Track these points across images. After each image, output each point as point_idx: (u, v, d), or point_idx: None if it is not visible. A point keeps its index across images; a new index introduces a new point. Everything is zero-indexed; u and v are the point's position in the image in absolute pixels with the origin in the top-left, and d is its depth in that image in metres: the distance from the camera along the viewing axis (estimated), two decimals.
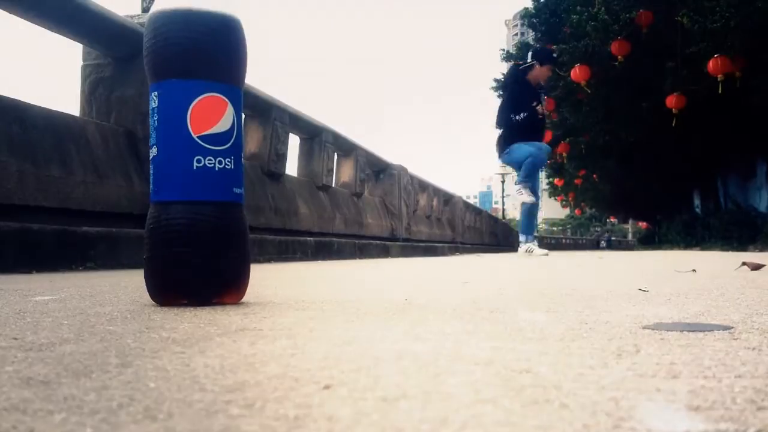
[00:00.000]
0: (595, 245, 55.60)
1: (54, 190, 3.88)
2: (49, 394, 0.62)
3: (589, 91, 13.38)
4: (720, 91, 10.40)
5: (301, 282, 2.73)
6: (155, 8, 1.47)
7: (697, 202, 22.81)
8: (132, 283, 2.34)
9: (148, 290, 1.52)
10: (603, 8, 11.82)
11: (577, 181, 26.80)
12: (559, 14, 14.70)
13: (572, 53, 12.91)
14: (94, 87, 4.92)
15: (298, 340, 0.97)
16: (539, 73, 7.69)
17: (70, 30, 4.49)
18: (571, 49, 12.91)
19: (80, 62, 4.99)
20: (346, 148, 9.76)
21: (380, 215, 10.90)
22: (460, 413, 0.55)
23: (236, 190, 1.52)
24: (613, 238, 69.65)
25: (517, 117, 7.54)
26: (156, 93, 1.49)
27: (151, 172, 1.50)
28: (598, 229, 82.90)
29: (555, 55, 7.64)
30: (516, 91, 7.75)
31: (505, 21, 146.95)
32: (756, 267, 3.19)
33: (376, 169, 11.43)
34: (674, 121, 11.99)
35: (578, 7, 12.62)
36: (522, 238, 7.80)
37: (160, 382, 0.67)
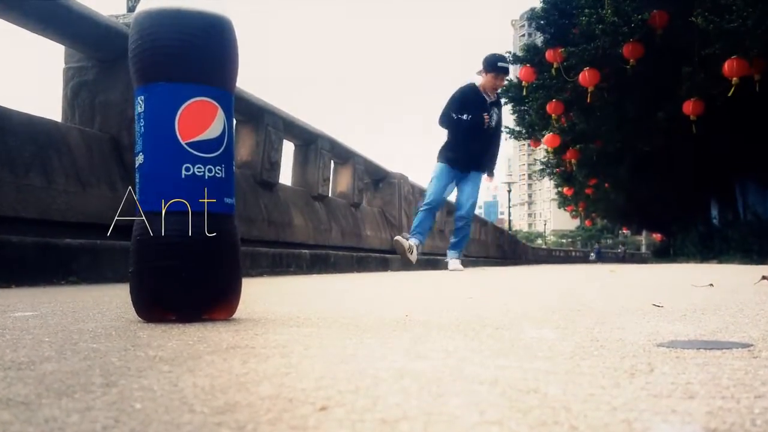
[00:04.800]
0: (618, 258, 55.24)
1: (34, 200, 3.88)
2: (30, 416, 0.62)
3: (589, 101, 13.43)
4: (730, 95, 10.42)
5: (295, 297, 2.73)
6: (141, 8, 1.47)
7: (714, 212, 22.80)
8: (117, 297, 2.34)
9: (134, 305, 1.52)
10: (611, 10, 11.85)
11: (587, 191, 26.82)
12: (569, 14, 14.73)
13: (581, 56, 12.93)
14: (77, 91, 4.93)
15: (293, 358, 0.97)
16: (484, 81, 7.70)
17: (52, 30, 4.50)
18: (580, 52, 12.94)
19: (62, 65, 5.00)
20: (344, 156, 9.76)
21: (379, 226, 10.90)
22: None
23: (227, 200, 1.52)
24: (604, 250, 69.42)
25: (462, 116, 7.59)
26: (142, 97, 1.49)
27: (137, 180, 1.50)
28: (608, 241, 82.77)
29: (501, 64, 7.65)
30: (457, 94, 7.77)
31: (512, 21, 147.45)
32: None
33: (375, 178, 11.44)
34: (694, 128, 12.01)
35: (586, 9, 12.65)
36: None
37: (146, 402, 0.67)
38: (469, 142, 7.65)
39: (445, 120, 7.68)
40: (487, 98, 7.68)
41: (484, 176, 7.94)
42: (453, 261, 7.91)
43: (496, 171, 8.10)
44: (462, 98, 7.69)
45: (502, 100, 8.50)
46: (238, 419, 0.61)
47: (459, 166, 7.72)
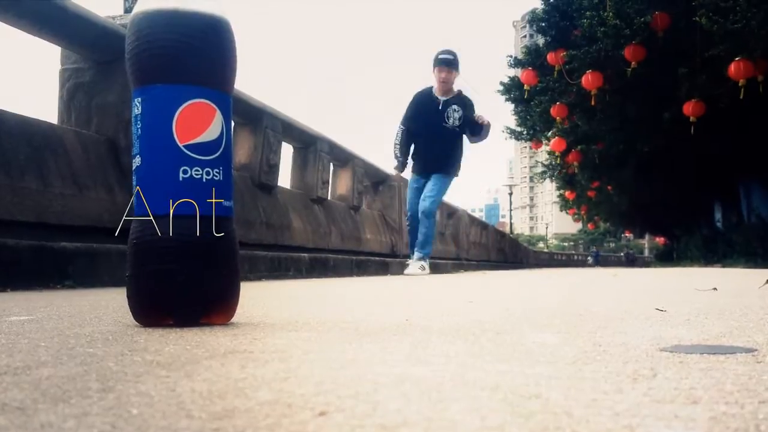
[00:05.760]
0: (627, 262, 54.74)
1: (30, 203, 3.88)
2: (25, 421, 0.62)
3: (593, 104, 13.45)
4: (741, 97, 10.44)
5: (294, 301, 2.73)
6: (138, 8, 1.47)
7: (718, 215, 22.83)
8: (114, 302, 2.34)
9: (131, 310, 1.52)
10: (612, 12, 11.88)
11: (590, 194, 26.82)
12: (570, 16, 14.75)
13: (583, 59, 12.95)
14: (74, 93, 4.93)
15: (292, 363, 0.97)
16: (434, 79, 7.65)
17: (47, 31, 4.50)
18: (582, 55, 12.96)
19: (58, 66, 5.00)
20: (343, 159, 9.76)
21: (379, 230, 10.90)
22: None
23: (225, 203, 1.52)
24: (606, 254, 69.14)
25: (397, 127, 7.68)
26: (139, 99, 1.49)
27: (134, 183, 1.50)
28: (611, 244, 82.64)
29: (441, 56, 7.57)
30: (411, 102, 7.79)
31: (513, 22, 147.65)
32: None
33: (375, 181, 11.43)
34: (692, 129, 12.03)
35: (588, 12, 12.67)
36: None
37: (143, 408, 0.67)
38: (424, 147, 7.68)
39: (397, 131, 7.76)
40: (440, 99, 7.58)
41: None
42: (413, 263, 7.79)
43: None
44: (414, 105, 7.72)
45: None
46: (237, 425, 0.61)
47: (421, 172, 7.76)
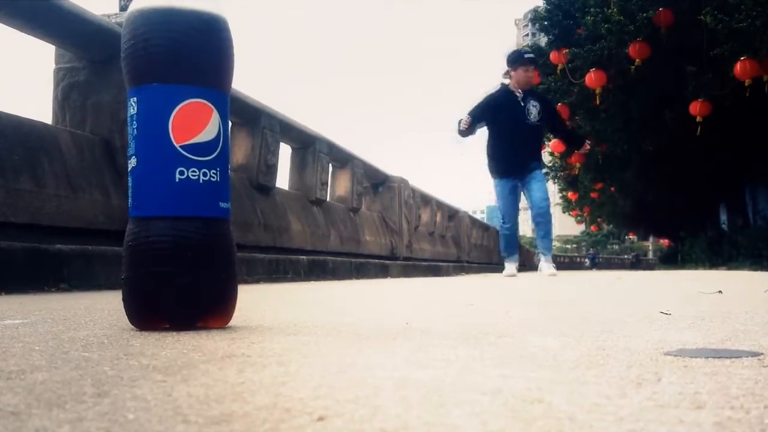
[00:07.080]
0: (636, 264, 54.40)
1: (24, 204, 3.88)
2: (20, 426, 0.62)
3: (597, 103, 13.45)
4: (747, 95, 10.43)
5: (293, 304, 2.73)
6: (134, 7, 1.47)
7: (723, 217, 22.80)
8: (109, 305, 2.34)
9: (127, 313, 1.52)
10: (616, 9, 11.88)
11: (593, 195, 26.80)
12: (573, 15, 14.75)
13: (586, 58, 12.95)
14: (68, 92, 4.93)
15: (290, 367, 0.97)
16: (515, 78, 7.76)
17: (42, 30, 4.50)
18: (585, 53, 12.96)
19: (52, 65, 5.00)
20: (342, 159, 9.76)
21: (379, 232, 10.90)
22: None
23: (222, 205, 1.52)
24: (608, 256, 68.78)
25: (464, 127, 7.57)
26: (135, 99, 1.49)
27: (130, 185, 1.50)
28: (615, 246, 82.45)
29: (528, 55, 7.83)
30: (483, 99, 7.82)
31: (515, 20, 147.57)
32: None
33: (375, 182, 11.43)
34: (699, 130, 12.02)
35: (591, 9, 12.68)
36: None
37: (139, 413, 0.67)
38: (510, 145, 7.68)
39: (457, 128, 7.64)
40: (519, 95, 7.68)
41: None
42: (543, 264, 7.97)
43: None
44: (493, 104, 7.75)
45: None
46: (234, 430, 0.61)
47: (509, 174, 7.79)
